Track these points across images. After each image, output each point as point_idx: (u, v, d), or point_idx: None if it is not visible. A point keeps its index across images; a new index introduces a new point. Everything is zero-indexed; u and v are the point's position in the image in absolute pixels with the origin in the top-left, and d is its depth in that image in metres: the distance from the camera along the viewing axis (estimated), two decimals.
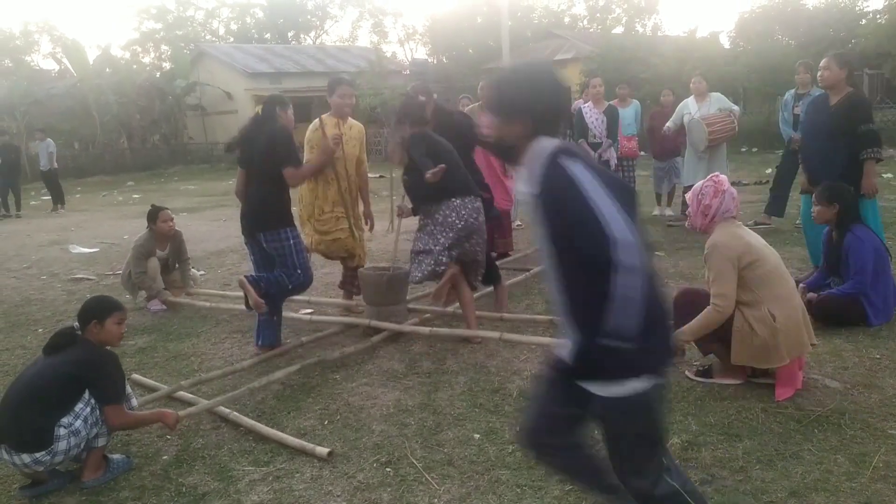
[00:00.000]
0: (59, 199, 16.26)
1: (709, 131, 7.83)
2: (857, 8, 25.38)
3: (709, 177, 3.91)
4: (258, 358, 4.80)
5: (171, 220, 6.58)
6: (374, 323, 5.20)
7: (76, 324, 3.40)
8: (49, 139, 16.80)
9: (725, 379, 3.91)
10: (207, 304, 6.28)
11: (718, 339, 3.78)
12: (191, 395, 4.21)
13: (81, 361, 3.25)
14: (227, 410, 3.91)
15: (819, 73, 5.52)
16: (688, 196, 3.97)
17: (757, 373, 3.84)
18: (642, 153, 10.53)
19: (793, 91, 8.00)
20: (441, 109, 5.65)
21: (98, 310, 3.41)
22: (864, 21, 24.01)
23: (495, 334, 4.69)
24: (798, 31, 24.94)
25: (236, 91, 30.81)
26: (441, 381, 4.30)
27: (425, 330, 4.99)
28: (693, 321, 3.72)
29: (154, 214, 6.51)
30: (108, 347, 3.47)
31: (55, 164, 16.37)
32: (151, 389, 4.41)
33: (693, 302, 3.86)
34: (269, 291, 4.72)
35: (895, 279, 4.91)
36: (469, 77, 27.05)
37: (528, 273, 6.61)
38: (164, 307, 6.40)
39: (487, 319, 5.29)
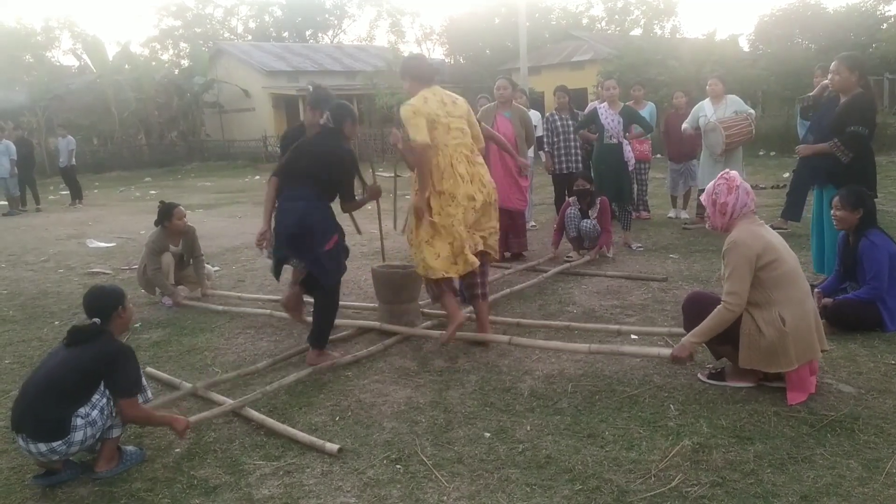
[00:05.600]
0: (77, 194, 16.46)
1: (726, 135, 7.78)
2: (878, 12, 25.20)
3: (719, 175, 3.90)
4: (272, 360, 4.81)
5: (185, 216, 6.58)
6: (386, 327, 5.20)
7: (97, 319, 3.42)
8: (70, 136, 17.03)
9: (738, 382, 3.89)
10: (221, 307, 6.24)
11: (730, 341, 3.76)
12: (211, 393, 4.24)
13: (100, 355, 3.28)
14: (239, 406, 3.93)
15: (829, 77, 5.48)
16: (702, 199, 3.95)
17: (770, 376, 3.81)
18: (658, 155, 10.51)
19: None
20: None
21: (117, 297, 3.50)
22: (884, 25, 23.85)
23: (505, 338, 4.69)
24: (818, 34, 24.81)
25: (254, 89, 31.00)
26: (452, 379, 4.31)
27: (436, 333, 5.00)
28: (702, 323, 3.70)
29: (168, 213, 6.44)
30: (124, 331, 3.62)
31: (73, 161, 16.60)
32: (165, 383, 4.46)
33: (703, 305, 3.86)
34: None
35: None
36: (486, 78, 27.07)
37: (544, 275, 6.60)
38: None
39: (501, 324, 5.27)
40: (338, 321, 5.49)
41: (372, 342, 5.04)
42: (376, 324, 5.31)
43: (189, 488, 3.21)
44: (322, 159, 4.61)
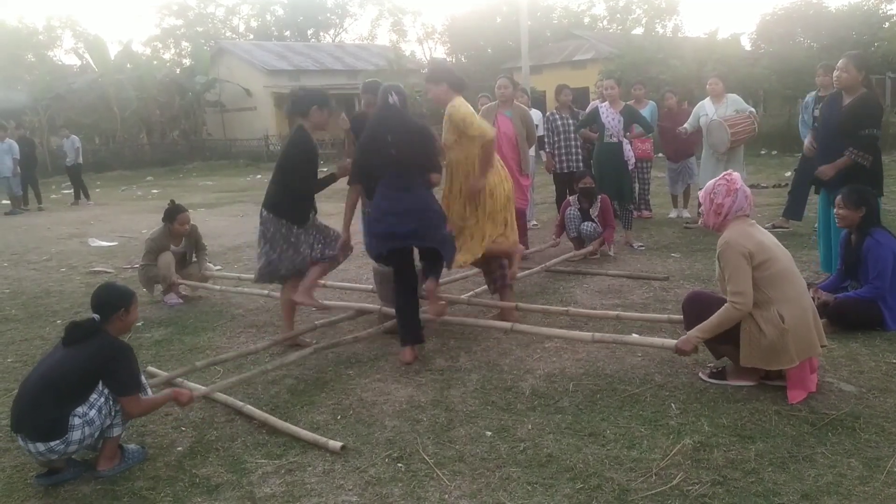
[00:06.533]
0: (83, 192, 16.61)
1: (731, 132, 7.78)
2: (880, 11, 25.16)
3: (721, 175, 3.90)
4: (272, 340, 4.87)
5: (189, 222, 6.57)
6: (386, 310, 5.20)
7: (96, 316, 3.43)
8: (74, 136, 17.11)
9: (739, 381, 3.89)
10: (218, 287, 6.33)
11: (730, 340, 3.76)
12: (194, 385, 4.25)
13: (99, 355, 3.29)
14: (241, 403, 3.94)
15: (836, 74, 5.45)
16: (700, 195, 3.96)
17: (771, 375, 3.82)
18: (660, 154, 10.51)
19: (814, 93, 7.93)
20: None
21: (123, 298, 3.49)
22: (887, 24, 23.80)
23: (507, 325, 4.70)
24: (820, 33, 24.78)
25: (255, 88, 31.01)
26: (454, 378, 4.32)
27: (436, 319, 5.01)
28: (709, 319, 3.70)
29: (172, 215, 6.46)
30: (124, 332, 3.61)
31: (80, 160, 16.72)
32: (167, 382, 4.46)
33: (703, 304, 3.86)
34: None
35: None
36: (487, 77, 27.04)
37: (542, 266, 6.62)
38: (181, 301, 6.45)
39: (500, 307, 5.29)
40: (338, 303, 5.60)
41: (372, 326, 5.08)
42: (375, 307, 5.33)
43: (191, 487, 3.22)
44: (415, 138, 4.60)
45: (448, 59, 40.49)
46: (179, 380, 4.31)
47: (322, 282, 5.74)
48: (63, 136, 17.16)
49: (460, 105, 4.81)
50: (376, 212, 4.63)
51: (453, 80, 4.94)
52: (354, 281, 6.80)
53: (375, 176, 4.65)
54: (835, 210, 4.94)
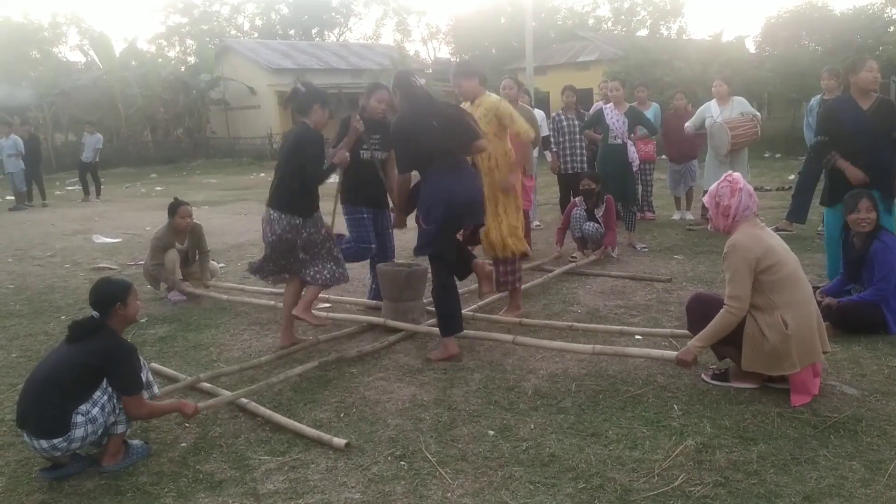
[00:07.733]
0: (96, 189, 16.67)
1: (732, 135, 7.78)
2: (885, 15, 25.10)
3: (723, 177, 3.90)
4: (277, 353, 4.82)
5: (190, 216, 6.61)
6: (391, 323, 5.21)
7: (95, 313, 3.44)
8: (98, 134, 17.18)
9: (741, 382, 3.89)
10: (225, 296, 6.31)
11: (732, 343, 3.77)
12: (209, 385, 4.26)
13: (102, 352, 3.30)
14: (245, 400, 3.95)
15: (874, 76, 5.43)
16: (705, 200, 3.96)
17: (773, 377, 3.82)
18: (662, 156, 10.52)
19: (818, 97, 7.94)
20: None
21: (118, 292, 3.48)
22: (891, 28, 23.75)
23: (508, 337, 4.70)
24: (825, 37, 24.72)
25: (259, 86, 31.05)
26: (457, 377, 4.32)
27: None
28: (707, 327, 3.71)
29: (174, 209, 6.54)
30: (128, 324, 3.63)
31: (97, 159, 16.81)
32: (170, 378, 4.47)
33: (707, 306, 3.86)
34: None
35: None
36: (492, 77, 27.04)
37: (549, 275, 6.60)
38: (185, 297, 6.47)
39: (504, 323, 5.28)
40: (343, 316, 5.56)
41: (377, 339, 5.06)
42: (381, 320, 5.33)
43: (195, 482, 3.23)
44: (454, 113, 4.72)
45: (452, 60, 40.49)
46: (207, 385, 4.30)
47: (324, 294, 5.71)
48: (87, 132, 17.07)
49: (502, 101, 5.28)
50: (440, 192, 4.53)
51: (483, 76, 5.32)
52: (357, 281, 6.79)
53: (423, 162, 4.61)
54: (863, 215, 4.72)
